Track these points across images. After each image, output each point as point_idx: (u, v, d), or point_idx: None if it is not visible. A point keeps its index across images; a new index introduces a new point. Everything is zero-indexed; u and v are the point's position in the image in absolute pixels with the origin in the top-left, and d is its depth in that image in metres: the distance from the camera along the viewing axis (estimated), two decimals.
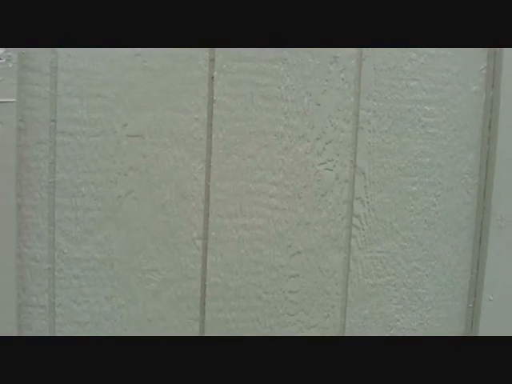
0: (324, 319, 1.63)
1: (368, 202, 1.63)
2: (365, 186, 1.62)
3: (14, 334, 1.47)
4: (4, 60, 1.47)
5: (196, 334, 1.57)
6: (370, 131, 1.61)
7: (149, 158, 1.53)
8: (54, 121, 1.51)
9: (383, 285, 1.67)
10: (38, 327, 1.51)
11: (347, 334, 1.64)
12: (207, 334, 1.57)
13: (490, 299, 1.69)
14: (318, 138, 1.58)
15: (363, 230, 1.63)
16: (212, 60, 1.52)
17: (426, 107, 1.64)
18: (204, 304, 1.57)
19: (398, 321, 1.69)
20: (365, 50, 1.59)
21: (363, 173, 1.62)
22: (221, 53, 1.52)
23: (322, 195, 1.60)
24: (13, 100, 1.48)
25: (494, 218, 1.67)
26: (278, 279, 1.60)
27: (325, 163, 1.59)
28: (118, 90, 1.51)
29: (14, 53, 1.47)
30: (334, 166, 1.60)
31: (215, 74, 1.53)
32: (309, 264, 1.61)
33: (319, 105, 1.58)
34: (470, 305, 1.72)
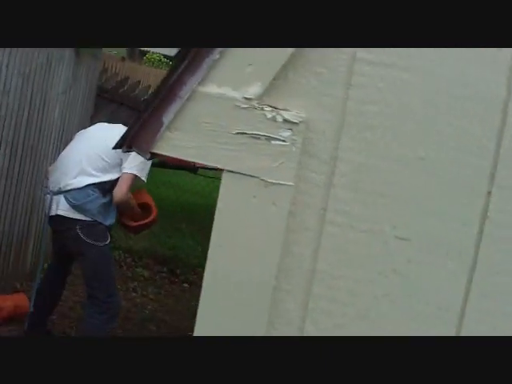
0: None
1: None
2: None
3: None
4: (289, 143, 1.47)
5: None
6: None
7: (413, 263, 1.49)
8: (324, 209, 1.49)
9: None
10: None
11: None
12: None
13: None
14: None
15: None
16: (492, 174, 1.48)
17: None
18: None
19: None
20: None
21: None
22: (502, 169, 1.48)
23: None
24: (290, 184, 1.47)
25: None
26: None
27: None
28: (395, 191, 1.48)
29: (299, 137, 1.47)
30: None
31: (493, 189, 1.48)
32: None
33: None
34: None
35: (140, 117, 1.47)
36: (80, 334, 3.55)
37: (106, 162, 3.35)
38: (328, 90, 1.48)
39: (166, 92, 1.45)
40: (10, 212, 4.16)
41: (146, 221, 3.60)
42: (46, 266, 3.82)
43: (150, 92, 6.52)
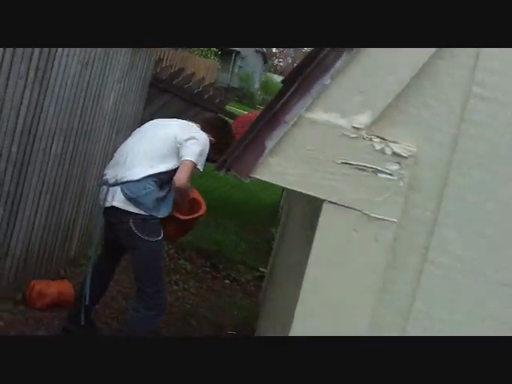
0: None
1: None
2: None
3: None
4: (396, 178, 1.40)
5: None
6: None
7: None
8: (426, 248, 1.43)
9: None
10: None
11: None
12: None
13: None
14: None
15: None
16: None
17: None
18: None
19: None
20: None
21: None
22: None
23: None
24: (394, 220, 1.41)
25: None
26: None
27: None
28: (500, 234, 1.42)
29: (407, 171, 1.40)
30: None
31: None
32: None
33: None
34: None
35: (242, 139, 1.41)
36: (126, 329, 3.52)
37: (163, 151, 3.32)
38: (439, 124, 1.41)
39: (272, 116, 1.40)
40: (60, 198, 4.15)
41: (196, 215, 3.58)
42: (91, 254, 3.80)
43: (202, 84, 6.46)
